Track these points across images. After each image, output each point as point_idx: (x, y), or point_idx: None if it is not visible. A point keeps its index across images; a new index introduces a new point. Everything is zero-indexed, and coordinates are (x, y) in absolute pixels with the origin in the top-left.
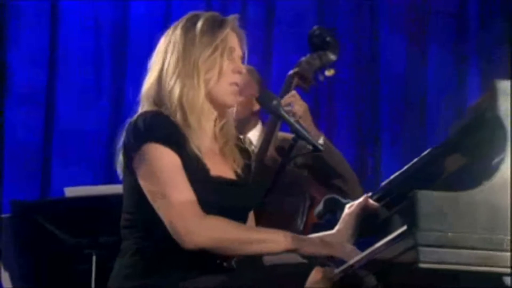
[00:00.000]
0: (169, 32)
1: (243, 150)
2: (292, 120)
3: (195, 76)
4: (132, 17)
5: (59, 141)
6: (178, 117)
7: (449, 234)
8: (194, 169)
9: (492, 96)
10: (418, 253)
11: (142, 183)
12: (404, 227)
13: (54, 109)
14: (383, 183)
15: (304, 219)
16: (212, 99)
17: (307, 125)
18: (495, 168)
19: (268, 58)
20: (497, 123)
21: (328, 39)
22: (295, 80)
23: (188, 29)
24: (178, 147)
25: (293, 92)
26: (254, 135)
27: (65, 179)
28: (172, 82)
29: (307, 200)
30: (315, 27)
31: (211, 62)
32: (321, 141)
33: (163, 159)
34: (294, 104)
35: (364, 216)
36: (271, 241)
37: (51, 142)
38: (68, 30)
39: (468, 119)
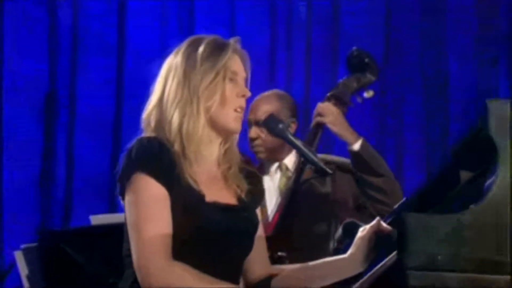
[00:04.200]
0: (171, 56)
1: (251, 174)
2: (299, 143)
3: (194, 104)
4: None
5: None
6: (177, 146)
7: (439, 257)
8: (188, 197)
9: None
10: (407, 277)
11: (125, 210)
12: (394, 253)
13: (121, 135)
14: (395, 206)
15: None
16: (215, 126)
17: (342, 129)
18: (487, 190)
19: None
20: (489, 143)
21: (366, 60)
22: (332, 103)
23: (189, 54)
24: (167, 178)
25: (322, 104)
26: (290, 160)
27: None
28: (172, 110)
29: (338, 222)
30: (353, 48)
31: (213, 89)
32: (358, 145)
33: (146, 191)
34: (323, 113)
35: (379, 239)
36: None
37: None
38: (135, 59)
39: (464, 140)
